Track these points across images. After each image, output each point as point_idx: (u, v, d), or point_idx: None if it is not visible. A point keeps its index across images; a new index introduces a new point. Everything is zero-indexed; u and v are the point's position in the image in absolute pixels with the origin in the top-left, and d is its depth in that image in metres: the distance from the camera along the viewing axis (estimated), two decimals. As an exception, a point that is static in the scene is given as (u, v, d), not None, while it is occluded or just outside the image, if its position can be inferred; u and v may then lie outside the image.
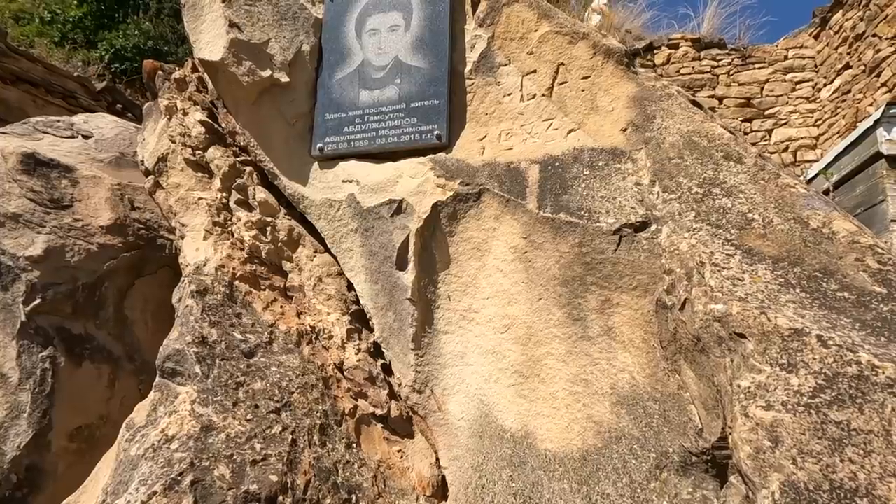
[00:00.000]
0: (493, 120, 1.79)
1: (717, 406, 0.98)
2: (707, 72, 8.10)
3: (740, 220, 1.14)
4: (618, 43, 1.68)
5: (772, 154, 7.68)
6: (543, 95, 1.74)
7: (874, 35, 6.95)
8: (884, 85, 6.91)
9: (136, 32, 9.48)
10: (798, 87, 7.93)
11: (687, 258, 1.11)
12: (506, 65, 1.83)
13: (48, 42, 9.34)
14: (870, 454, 0.73)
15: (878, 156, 2.34)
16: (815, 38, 8.03)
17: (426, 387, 1.57)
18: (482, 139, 1.78)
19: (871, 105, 6.92)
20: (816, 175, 2.79)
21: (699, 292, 1.02)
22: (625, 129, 1.55)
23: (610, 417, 1.18)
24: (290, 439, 1.27)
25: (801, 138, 7.70)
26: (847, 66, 7.39)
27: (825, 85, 7.68)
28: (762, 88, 7.91)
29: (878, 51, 6.78)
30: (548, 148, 1.65)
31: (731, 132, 1.39)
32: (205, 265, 1.67)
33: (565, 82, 1.72)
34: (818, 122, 7.72)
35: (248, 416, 1.26)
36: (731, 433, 0.87)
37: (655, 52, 8.21)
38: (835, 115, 7.48)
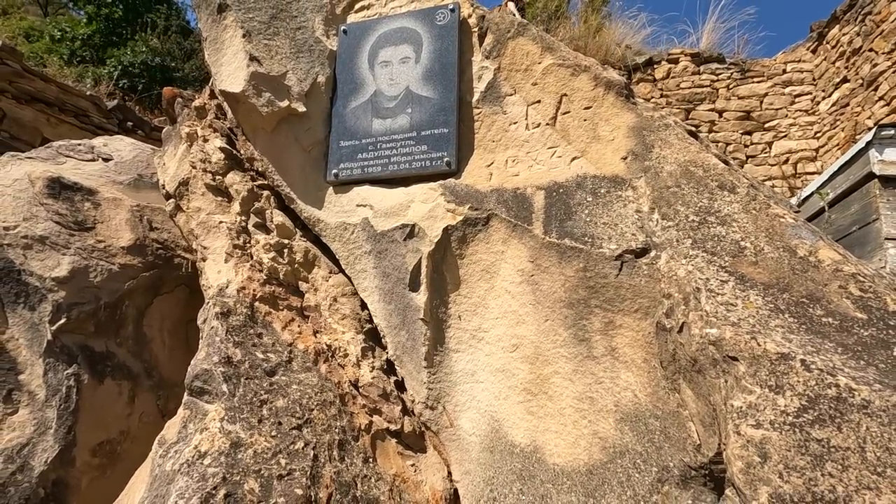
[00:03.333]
0: (499, 147, 1.89)
1: (713, 423, 1.05)
2: (707, 86, 8.23)
3: (733, 248, 1.22)
4: (616, 75, 1.78)
5: (772, 166, 7.78)
6: (548, 124, 1.83)
7: (871, 50, 7.07)
8: (881, 98, 7.01)
9: (143, 49, 9.69)
10: (797, 100, 8.04)
11: (684, 283, 1.19)
12: (511, 95, 1.93)
13: (58, 59, 9.57)
14: (847, 469, 0.80)
15: (870, 176, 2.42)
16: (813, 52, 8.16)
17: (438, 403, 1.65)
18: (490, 165, 1.87)
19: (869, 118, 7.01)
20: (811, 194, 2.88)
21: (696, 316, 1.10)
22: (625, 158, 1.64)
23: (614, 433, 1.25)
24: (311, 454, 1.34)
25: (801, 150, 7.79)
26: (845, 80, 7.51)
27: (824, 98, 7.79)
28: (761, 102, 8.03)
29: (875, 65, 6.90)
30: (552, 175, 1.74)
31: (725, 162, 1.47)
32: (227, 287, 1.75)
33: (568, 112, 1.81)
34: (818, 135, 7.81)
35: (273, 433, 1.34)
36: (724, 449, 0.94)
37: (655, 66, 8.36)
38: (834, 128, 7.58)
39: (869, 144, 2.43)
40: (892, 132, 2.40)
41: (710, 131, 8.04)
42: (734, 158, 7.92)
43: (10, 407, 1.90)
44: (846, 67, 7.22)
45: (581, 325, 1.40)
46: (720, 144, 7.92)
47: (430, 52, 2.03)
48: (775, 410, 0.88)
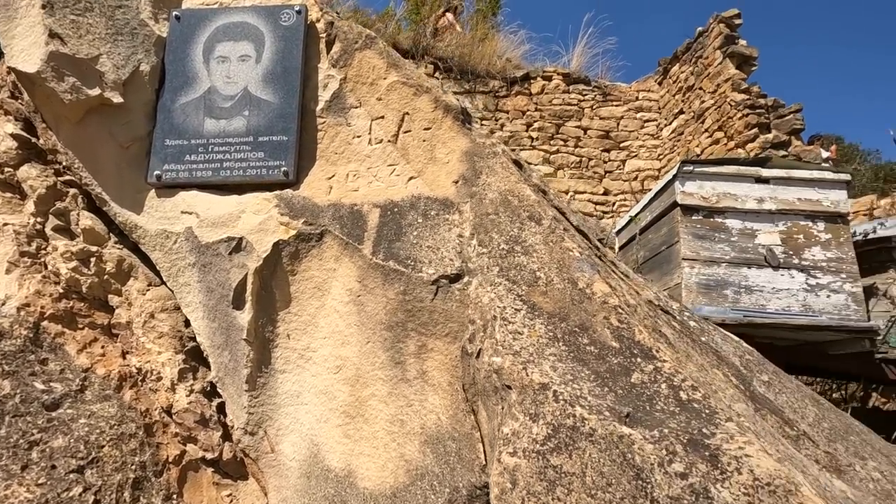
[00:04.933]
0: (342, 160, 1.85)
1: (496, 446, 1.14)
2: (575, 104, 9.01)
3: (530, 278, 1.33)
4: (455, 100, 1.84)
5: (625, 182, 8.76)
6: (389, 141, 1.84)
7: (700, 88, 8.26)
8: (706, 131, 8.22)
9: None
10: (646, 125, 9.14)
11: (486, 310, 1.28)
12: (357, 107, 1.90)
13: None
14: (570, 493, 0.92)
15: (675, 204, 2.85)
16: (660, 84, 9.32)
17: (259, 428, 1.57)
18: (330, 178, 1.83)
19: (697, 146, 8.20)
20: (629, 222, 3.30)
21: (489, 344, 1.18)
22: (456, 182, 1.70)
23: (418, 456, 1.29)
24: (91, 500, 1.19)
25: (648, 169, 8.89)
26: (681, 112, 8.68)
27: (666, 125, 8.95)
28: (618, 123, 9.01)
29: (703, 101, 8.08)
30: (390, 193, 1.75)
31: (541, 191, 1.61)
32: (3, 305, 1.49)
33: (409, 131, 1.84)
34: (660, 157, 8.95)
35: (41, 480, 1.16)
36: (490, 476, 1.02)
37: (532, 81, 8.94)
38: (672, 152, 8.74)
39: (675, 177, 2.86)
40: (691, 168, 2.84)
41: (576, 146, 8.82)
42: (595, 173, 8.78)
43: None
44: (683, 101, 8.39)
45: (398, 348, 1.43)
46: (584, 159, 8.73)
47: (272, 53, 1.92)
48: (529, 438, 0.98)
